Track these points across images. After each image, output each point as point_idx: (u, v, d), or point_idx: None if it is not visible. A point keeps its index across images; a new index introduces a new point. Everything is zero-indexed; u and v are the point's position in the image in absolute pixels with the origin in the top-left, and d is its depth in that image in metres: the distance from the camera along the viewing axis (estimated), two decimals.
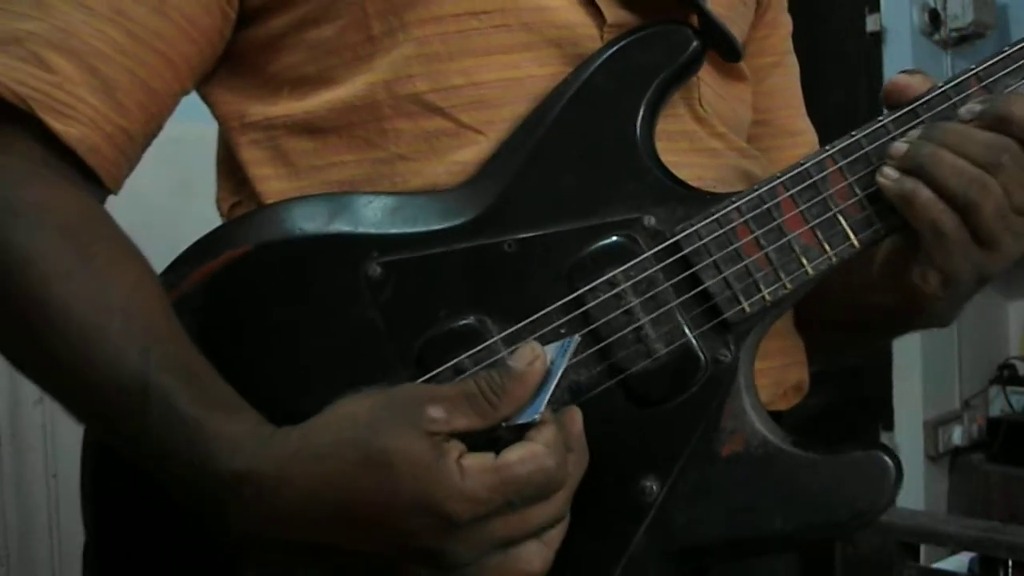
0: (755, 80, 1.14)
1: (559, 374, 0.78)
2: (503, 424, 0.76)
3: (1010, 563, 2.44)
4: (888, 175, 0.86)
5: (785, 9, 1.20)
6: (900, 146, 0.87)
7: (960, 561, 2.76)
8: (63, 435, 2.25)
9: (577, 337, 0.83)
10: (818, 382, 1.06)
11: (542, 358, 0.78)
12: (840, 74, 3.96)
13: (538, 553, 0.77)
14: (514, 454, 0.74)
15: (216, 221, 0.98)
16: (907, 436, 4.04)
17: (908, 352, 3.99)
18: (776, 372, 0.99)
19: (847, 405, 3.80)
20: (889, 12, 4.07)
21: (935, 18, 4.07)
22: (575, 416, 0.79)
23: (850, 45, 4.05)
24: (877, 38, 4.06)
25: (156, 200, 1.56)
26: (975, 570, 2.62)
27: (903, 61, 4.01)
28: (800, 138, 1.18)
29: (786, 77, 1.21)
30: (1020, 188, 0.84)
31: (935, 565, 2.84)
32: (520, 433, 0.76)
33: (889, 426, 4.07)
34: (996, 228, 0.85)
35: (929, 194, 0.85)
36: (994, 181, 0.84)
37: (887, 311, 1.02)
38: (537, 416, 0.75)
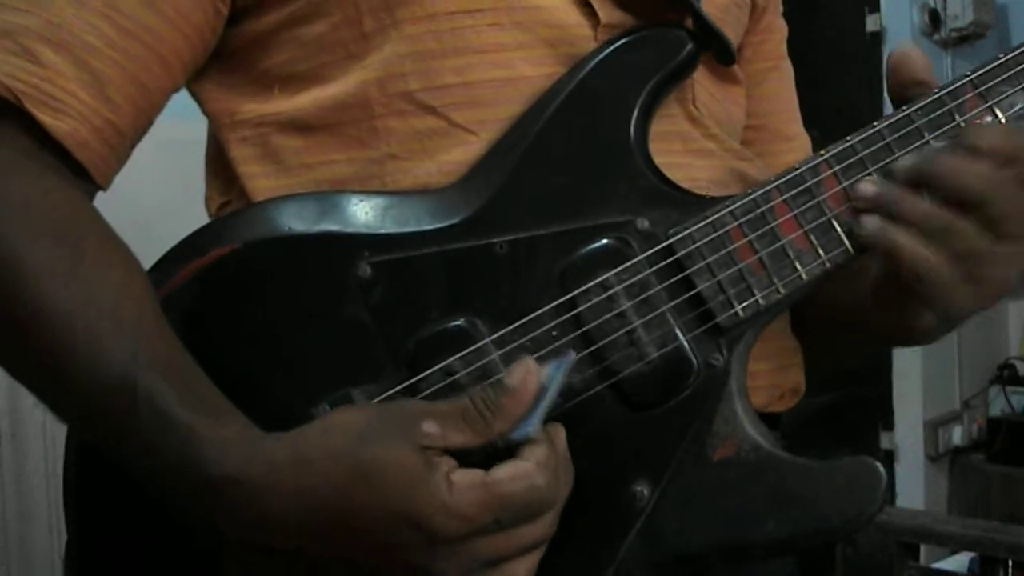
0: (751, 84, 1.15)
1: (555, 389, 0.78)
2: (498, 441, 0.76)
3: (1010, 563, 2.46)
4: (867, 223, 0.86)
5: (780, 14, 1.21)
6: (865, 185, 0.87)
7: (960, 561, 2.78)
8: (63, 435, 2.26)
9: (574, 354, 0.84)
10: (818, 382, 1.07)
11: (536, 373, 0.78)
12: (840, 74, 3.98)
13: (523, 567, 0.78)
14: (504, 472, 0.74)
15: None
16: (907, 436, 4.09)
17: (908, 352, 4.01)
18: (773, 375, 1.00)
19: (847, 405, 3.83)
20: (889, 12, 4.10)
21: (935, 18, 4.10)
22: (560, 430, 0.80)
23: (850, 45, 4.08)
24: (877, 38, 4.09)
25: (156, 200, 1.56)
26: (975, 570, 2.64)
27: None
28: (795, 143, 1.19)
29: (781, 82, 1.22)
30: (1010, 220, 0.83)
31: (935, 565, 2.85)
32: (513, 451, 0.76)
33: (889, 426, 4.12)
34: (977, 266, 0.84)
35: (910, 241, 0.84)
36: (962, 224, 0.83)
37: (874, 328, 1.03)
38: (531, 431, 0.76)
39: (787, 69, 1.23)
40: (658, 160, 0.92)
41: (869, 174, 0.88)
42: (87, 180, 0.89)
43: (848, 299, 1.00)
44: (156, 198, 1.61)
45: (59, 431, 2.28)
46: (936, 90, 0.89)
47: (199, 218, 0.97)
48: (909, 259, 0.84)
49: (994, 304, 0.88)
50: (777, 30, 1.21)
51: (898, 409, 4.12)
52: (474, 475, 0.74)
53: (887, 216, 0.85)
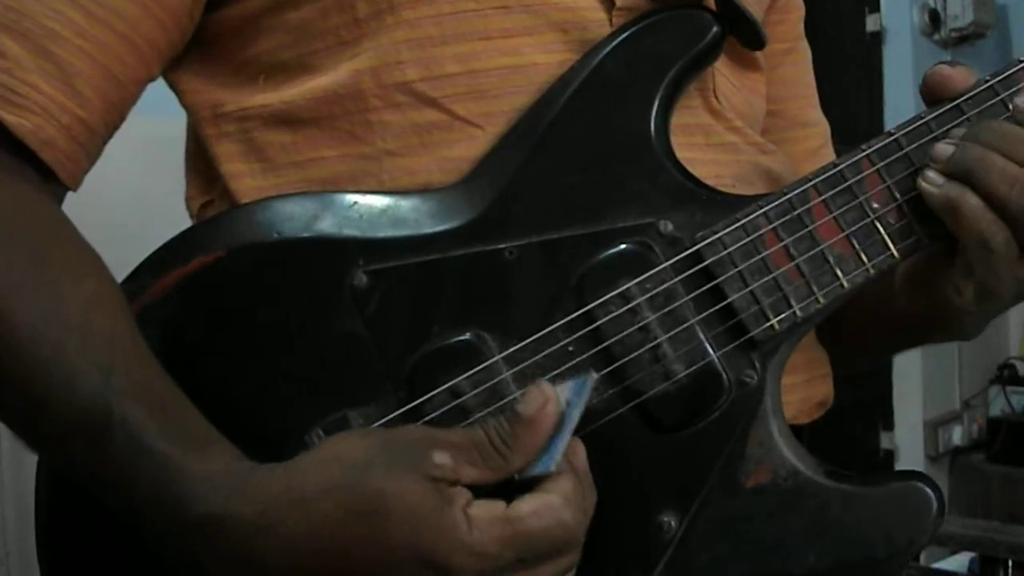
0: (767, 68, 1.12)
1: (577, 415, 0.73)
2: (515, 476, 0.72)
3: (1010, 563, 2.47)
4: (932, 180, 0.83)
5: None
6: (945, 148, 0.83)
7: (960, 561, 2.79)
8: None
9: (595, 375, 0.79)
10: None
11: (554, 401, 0.73)
12: (840, 74, 4.02)
13: None
14: (528, 506, 0.70)
15: None
16: (907, 436, 4.13)
17: (908, 352, 4.03)
18: (803, 387, 0.97)
19: (847, 405, 3.83)
20: (889, 12, 4.16)
21: (935, 18, 4.15)
22: (579, 450, 0.75)
23: (850, 45, 4.13)
24: (877, 38, 4.15)
25: (156, 200, 1.54)
26: (975, 570, 2.65)
27: (903, 61, 4.13)
28: (813, 129, 1.15)
29: (798, 65, 1.18)
30: None
31: (935, 565, 2.86)
32: (532, 486, 0.72)
33: (889, 426, 4.16)
34: None
35: (977, 202, 0.82)
36: None
37: (908, 322, 0.99)
38: (553, 467, 0.71)
39: (804, 50, 1.19)
40: (680, 156, 0.88)
41: (915, 171, 0.84)
42: (54, 181, 0.86)
43: (876, 293, 0.96)
44: (156, 198, 1.60)
45: None
46: (987, 78, 0.86)
47: (179, 221, 0.94)
48: (973, 219, 0.82)
49: None
50: (794, 9, 1.17)
51: (898, 409, 4.17)
52: (495, 508, 0.70)
53: (960, 177, 0.82)
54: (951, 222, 0.83)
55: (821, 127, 1.16)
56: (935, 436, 4.12)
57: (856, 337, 1.04)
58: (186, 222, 0.92)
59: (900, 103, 3.89)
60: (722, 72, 0.97)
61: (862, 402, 4.06)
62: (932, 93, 0.87)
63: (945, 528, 2.46)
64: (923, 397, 4.10)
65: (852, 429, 4.10)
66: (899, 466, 4.10)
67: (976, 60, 4.18)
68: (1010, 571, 2.48)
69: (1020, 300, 0.88)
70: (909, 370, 4.10)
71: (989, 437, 4.18)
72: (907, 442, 4.11)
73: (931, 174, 0.83)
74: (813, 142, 1.14)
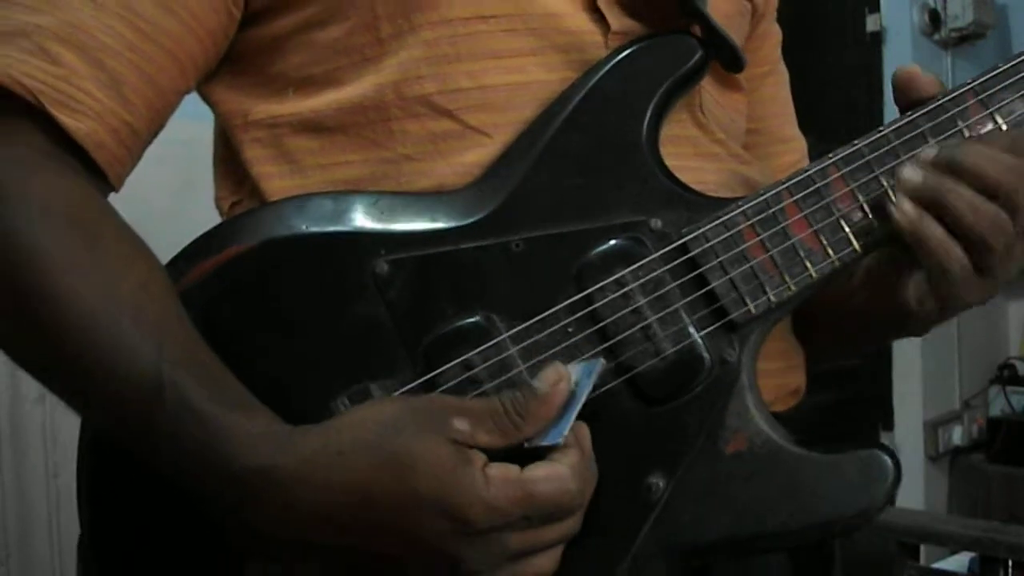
0: (749, 89, 1.18)
1: (585, 395, 0.81)
2: (525, 444, 0.79)
3: (1010, 563, 2.45)
4: (905, 211, 0.89)
5: (775, 19, 1.25)
6: (913, 173, 0.89)
7: (960, 561, 2.77)
8: (63, 435, 2.26)
9: (603, 359, 0.87)
10: (818, 382, 1.10)
11: (567, 379, 0.81)
12: (840, 74, 4.00)
13: (548, 560, 0.81)
14: (540, 471, 0.78)
15: (217, 220, 1.00)
16: (907, 436, 4.11)
17: (908, 352, 4.03)
18: (778, 375, 1.03)
19: (847, 405, 3.84)
20: (889, 12, 4.12)
21: (935, 18, 4.12)
22: (586, 433, 0.83)
23: (850, 45, 4.09)
24: (877, 38, 4.10)
25: (156, 200, 1.56)
26: (975, 570, 2.64)
27: (903, 61, 3.92)
28: (791, 144, 1.23)
29: (777, 86, 1.25)
30: None
31: (935, 565, 2.86)
32: (540, 452, 0.79)
33: (889, 426, 4.15)
34: (1001, 262, 0.88)
35: (942, 234, 0.87)
36: (1008, 219, 0.87)
37: (866, 319, 1.06)
38: (560, 440, 0.79)
39: (782, 73, 1.26)
40: (669, 163, 0.95)
41: (876, 177, 0.91)
42: (101, 179, 0.91)
43: (836, 289, 1.03)
44: (156, 198, 1.61)
45: (59, 431, 2.22)
46: (939, 96, 0.93)
47: (199, 218, 0.98)
48: (935, 251, 0.88)
49: (989, 298, 0.92)
50: (773, 35, 1.24)
51: (898, 409, 4.15)
52: (509, 470, 0.77)
53: (928, 204, 0.88)
54: (917, 249, 0.89)
55: (798, 143, 1.24)
56: (935, 436, 4.09)
57: (825, 333, 1.10)
58: (185, 217, 0.96)
59: None
60: (708, 90, 1.03)
61: (862, 402, 4.06)
62: (898, 92, 0.93)
63: (945, 528, 2.49)
64: (923, 397, 4.07)
65: (852, 429, 4.07)
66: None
67: (976, 60, 4.15)
68: (1010, 571, 2.46)
69: (982, 304, 0.93)
70: (909, 370, 4.06)
71: (989, 437, 4.15)
72: (907, 442, 4.07)
73: (905, 204, 0.88)
74: (792, 156, 1.22)
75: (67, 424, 2.24)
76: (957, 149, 0.88)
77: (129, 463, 0.86)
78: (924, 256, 0.89)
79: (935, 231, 0.87)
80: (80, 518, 0.95)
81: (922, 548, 2.80)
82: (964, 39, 4.19)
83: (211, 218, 1.03)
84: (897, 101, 0.95)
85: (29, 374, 0.87)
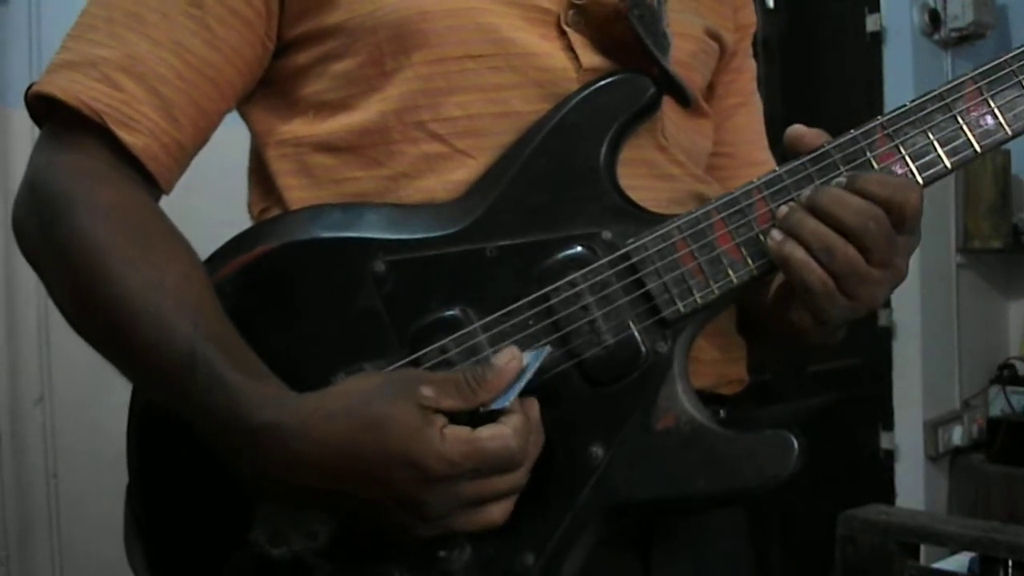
0: (723, 118, 1.28)
1: (531, 373, 0.92)
2: (480, 408, 0.90)
3: (1010, 563, 2.37)
4: (773, 236, 0.99)
5: (750, 55, 1.33)
6: (783, 208, 1.00)
7: (960, 561, 2.67)
8: (63, 435, 2.33)
9: (549, 347, 0.97)
10: (818, 382, 1.17)
11: (518, 358, 0.93)
12: (840, 74, 3.97)
13: (499, 509, 0.92)
14: (486, 432, 0.88)
15: (219, 221, 1.09)
16: (907, 436, 4.14)
17: (908, 352, 4.01)
18: (720, 364, 1.14)
19: (847, 405, 3.85)
20: (889, 12, 4.10)
21: (935, 18, 4.12)
22: (534, 405, 0.93)
23: (850, 45, 4.06)
24: (877, 38, 4.09)
25: (164, 200, 1.62)
26: (975, 570, 2.54)
27: (903, 61, 4.07)
28: (761, 168, 1.25)
29: (749, 116, 1.34)
30: (881, 249, 0.97)
31: (935, 565, 2.75)
32: (494, 417, 0.89)
33: (889, 426, 4.17)
34: (851, 284, 0.98)
35: (802, 255, 0.98)
36: (842, 246, 0.96)
37: (778, 329, 1.14)
38: (507, 404, 0.90)
39: (756, 104, 1.35)
40: (625, 183, 1.04)
41: (792, 199, 1.01)
42: (154, 186, 1.02)
43: (756, 303, 1.14)
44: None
45: (59, 431, 2.26)
46: (851, 131, 1.04)
47: (200, 218, 1.07)
48: (797, 268, 0.98)
49: (864, 314, 1.02)
50: (747, 70, 1.33)
51: (898, 409, 4.16)
52: (462, 431, 0.88)
53: (789, 233, 0.98)
54: (781, 267, 0.99)
55: (768, 165, 1.28)
56: (935, 436, 4.11)
57: (759, 334, 1.21)
58: (185, 217, 1.03)
59: (900, 103, 3.70)
60: (670, 117, 1.11)
61: (862, 402, 4.04)
62: (789, 148, 1.03)
63: (945, 528, 2.38)
64: (923, 397, 4.07)
65: (852, 429, 4.07)
66: (900, 466, 4.05)
67: (976, 60, 3.94)
68: (1010, 571, 2.37)
69: (857, 318, 1.02)
70: (909, 370, 4.06)
71: (989, 437, 4.15)
72: (907, 442, 4.11)
73: (774, 231, 0.99)
74: None
75: (67, 425, 2.29)
76: (818, 192, 0.99)
77: (170, 423, 0.96)
78: (787, 274, 0.99)
79: (796, 253, 0.97)
80: (128, 467, 1.03)
81: (922, 548, 2.68)
82: (964, 39, 4.20)
83: (212, 218, 1.11)
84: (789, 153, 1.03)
85: (90, 346, 0.97)
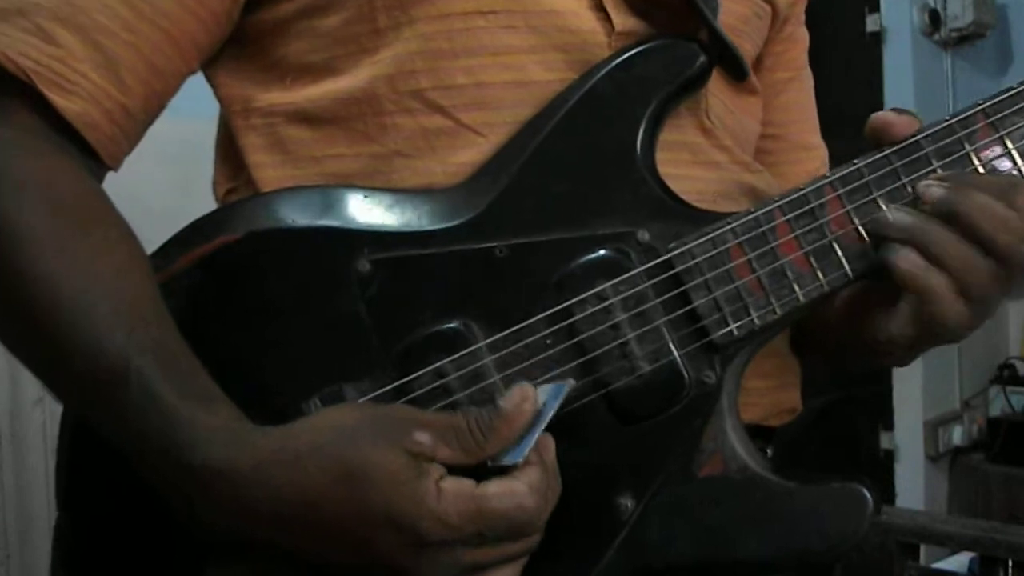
0: (771, 94, 1.14)
1: (550, 416, 0.78)
2: (488, 463, 0.76)
3: (1010, 563, 2.45)
4: (900, 253, 0.84)
5: (803, 23, 1.20)
6: (893, 212, 0.85)
7: (960, 561, 2.77)
8: None
9: (572, 381, 0.83)
10: (818, 382, 1.07)
11: (532, 400, 0.78)
12: (840, 74, 3.90)
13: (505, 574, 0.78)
14: (494, 487, 0.74)
15: (168, 207, 1.01)
16: (907, 436, 4.08)
17: None
18: (772, 392, 1.00)
19: (847, 405, 3.86)
20: (889, 12, 4.10)
21: (935, 18, 4.10)
22: (550, 446, 0.79)
23: (850, 45, 4.08)
24: (877, 38, 4.10)
25: (156, 200, 1.57)
26: (975, 570, 2.63)
27: (903, 61, 4.09)
28: (813, 152, 1.18)
29: (801, 92, 1.21)
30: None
31: (935, 565, 2.85)
32: (502, 473, 0.76)
33: (889, 426, 4.12)
34: (983, 314, 0.87)
35: (943, 287, 0.84)
36: (987, 276, 0.85)
37: (853, 349, 1.01)
38: (520, 460, 0.76)
39: (807, 79, 1.22)
40: (665, 170, 0.91)
41: (874, 199, 0.86)
42: (95, 161, 0.89)
43: (815, 315, 0.98)
44: (156, 198, 1.61)
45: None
46: (947, 117, 0.88)
47: (191, 219, 0.98)
48: (936, 301, 0.84)
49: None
50: (800, 40, 1.20)
51: (898, 409, 4.11)
52: (464, 485, 0.74)
53: (920, 249, 0.83)
54: (917, 300, 0.85)
55: (821, 151, 1.19)
56: (935, 436, 4.04)
57: (814, 352, 1.06)
58: (185, 217, 0.96)
59: (900, 103, 3.69)
60: (716, 95, 0.99)
61: (862, 402, 4.03)
62: (872, 138, 0.88)
63: (945, 528, 2.50)
64: (923, 397, 4.03)
65: (852, 429, 4.09)
66: (900, 466, 4.08)
67: (976, 60, 4.16)
68: (1010, 571, 2.45)
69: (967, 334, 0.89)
70: (909, 370, 3.88)
71: (989, 437, 4.08)
72: (907, 442, 4.06)
73: (896, 245, 0.84)
74: (812, 164, 1.17)
75: None
76: (958, 194, 0.83)
77: (106, 449, 0.84)
78: (922, 304, 0.85)
79: (935, 282, 0.83)
80: (56, 493, 0.94)
81: (922, 548, 2.77)
82: (964, 39, 4.18)
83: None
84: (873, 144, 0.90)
85: (8, 351, 0.86)
